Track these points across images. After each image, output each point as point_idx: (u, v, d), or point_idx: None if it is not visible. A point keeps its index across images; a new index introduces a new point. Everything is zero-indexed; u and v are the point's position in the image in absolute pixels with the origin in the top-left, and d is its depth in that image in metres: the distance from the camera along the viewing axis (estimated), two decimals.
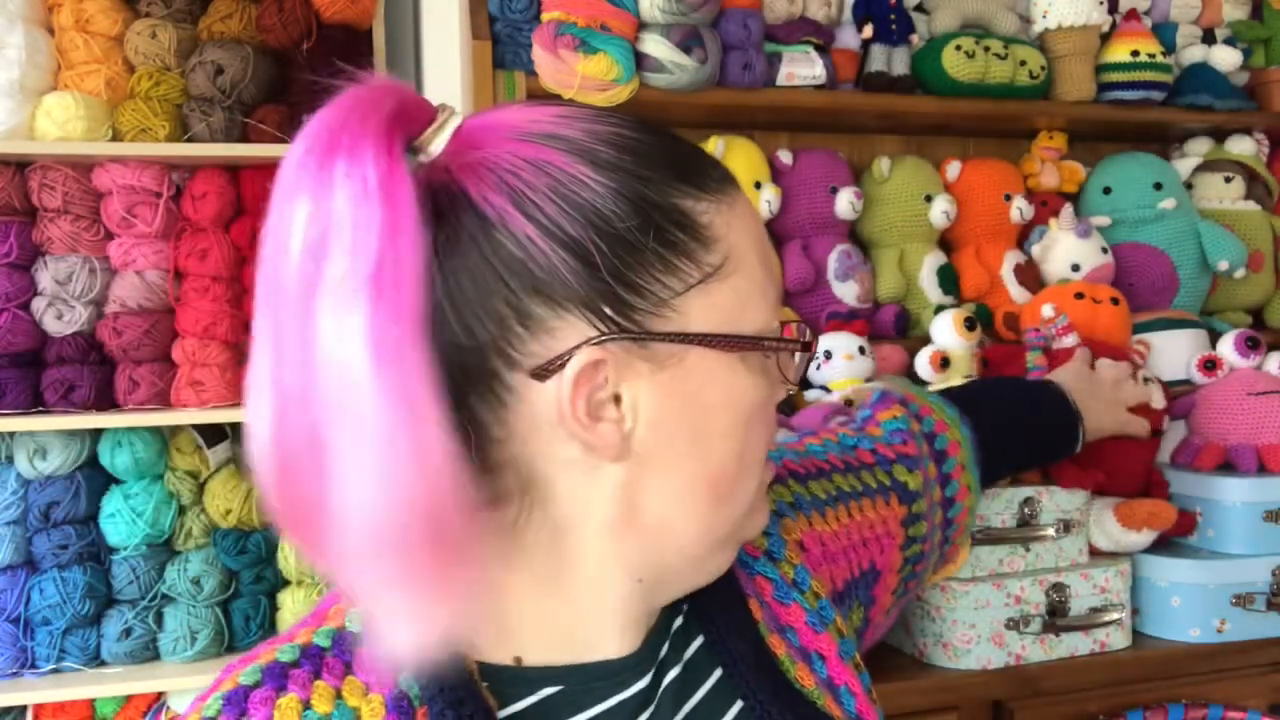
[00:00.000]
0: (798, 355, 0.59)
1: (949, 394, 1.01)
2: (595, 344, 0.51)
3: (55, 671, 1.66)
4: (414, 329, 0.46)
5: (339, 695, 0.53)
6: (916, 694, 1.36)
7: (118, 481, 1.72)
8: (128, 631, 1.68)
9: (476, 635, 0.57)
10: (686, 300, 0.54)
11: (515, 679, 0.57)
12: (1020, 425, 1.11)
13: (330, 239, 0.45)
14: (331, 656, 0.55)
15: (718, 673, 0.63)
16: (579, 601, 0.57)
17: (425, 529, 0.46)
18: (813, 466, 0.78)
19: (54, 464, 1.66)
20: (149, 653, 1.71)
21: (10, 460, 1.69)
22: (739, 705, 0.62)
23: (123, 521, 1.68)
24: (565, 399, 0.51)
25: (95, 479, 1.71)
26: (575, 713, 0.57)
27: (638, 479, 0.55)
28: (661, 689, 0.61)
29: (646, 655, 0.61)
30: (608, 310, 0.51)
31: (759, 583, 0.67)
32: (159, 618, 1.71)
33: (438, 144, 0.53)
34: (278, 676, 0.53)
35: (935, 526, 0.86)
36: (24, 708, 1.65)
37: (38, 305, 1.67)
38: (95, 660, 1.68)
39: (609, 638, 0.59)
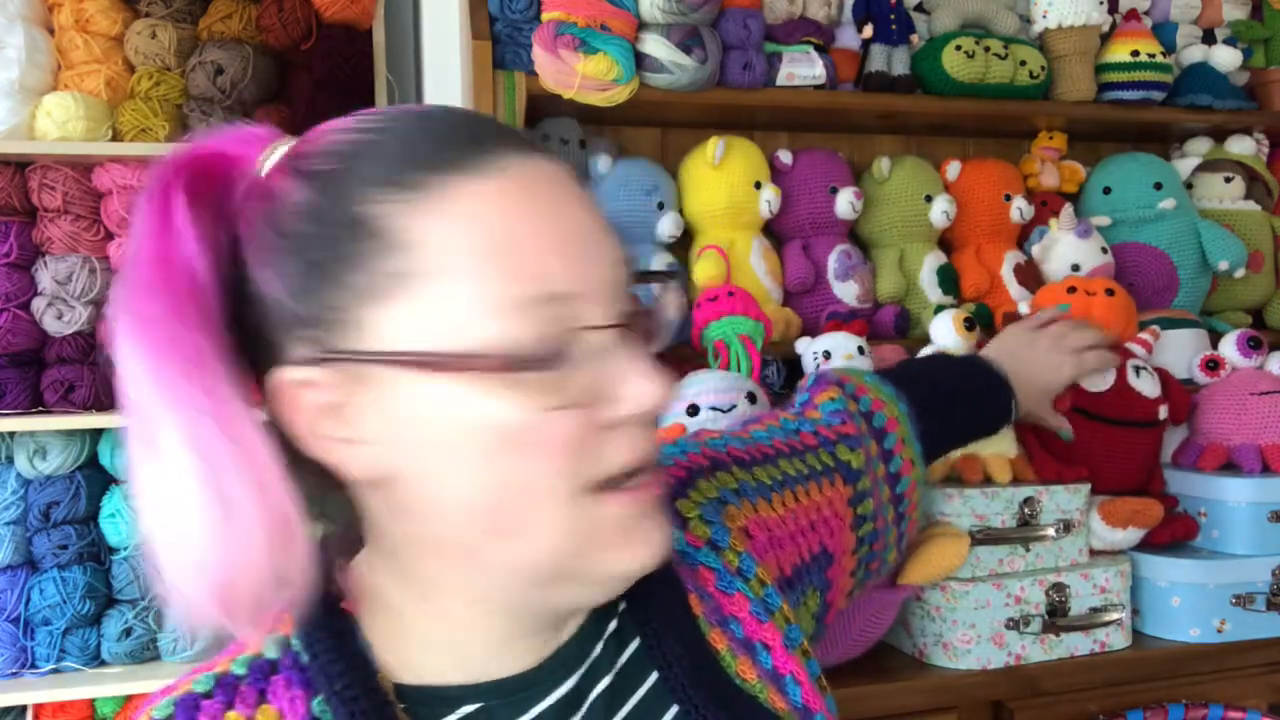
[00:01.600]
0: (534, 378, 0.49)
1: (883, 373, 1.01)
2: (298, 364, 0.51)
3: (55, 671, 1.66)
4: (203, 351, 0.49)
5: None
6: (916, 694, 1.36)
7: (118, 481, 1.72)
8: (128, 631, 1.68)
9: (393, 656, 0.57)
10: (362, 311, 0.49)
11: (433, 699, 0.56)
12: (954, 398, 1.10)
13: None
14: (247, 686, 0.55)
15: (654, 676, 0.60)
16: (455, 619, 0.57)
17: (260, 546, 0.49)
18: (758, 452, 0.76)
19: (54, 464, 1.66)
20: (149, 653, 1.71)
21: (10, 460, 1.69)
22: (674, 710, 0.60)
23: (123, 521, 1.68)
24: (290, 422, 0.52)
25: (95, 479, 1.71)
26: None
27: (413, 504, 0.52)
28: (593, 696, 0.59)
29: (568, 661, 0.59)
30: (305, 332, 0.50)
31: (701, 574, 0.65)
32: (159, 618, 1.71)
33: (265, 171, 0.54)
34: (191, 709, 0.54)
35: (884, 503, 0.86)
36: (24, 708, 1.65)
37: (38, 305, 1.67)
38: (95, 660, 1.68)
39: (504, 655, 0.57)
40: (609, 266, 0.53)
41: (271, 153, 0.53)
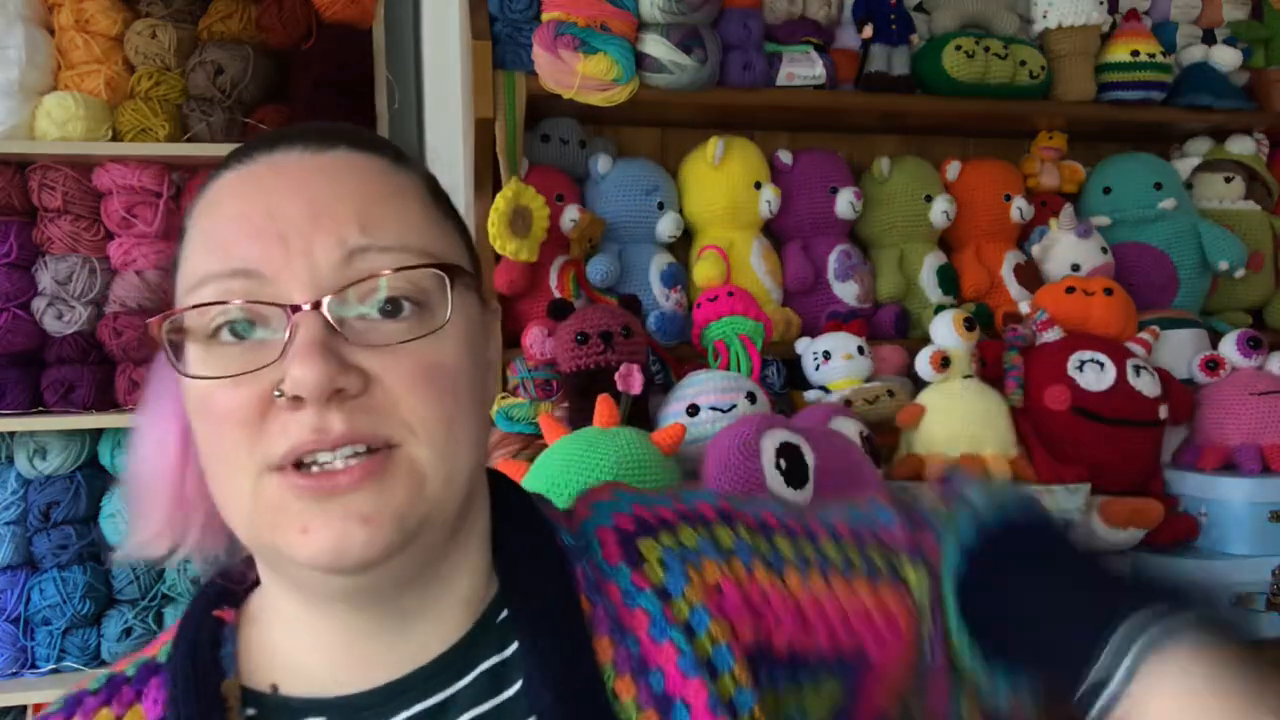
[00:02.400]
0: (178, 341, 0.54)
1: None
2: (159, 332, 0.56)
3: (55, 671, 1.66)
4: None
5: None
6: None
7: (118, 481, 1.72)
8: (128, 631, 1.68)
9: (254, 662, 0.59)
10: (175, 297, 0.56)
11: (278, 707, 0.57)
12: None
13: None
14: (129, 687, 0.58)
15: None
16: (280, 607, 0.59)
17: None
18: (798, 525, 0.68)
19: (54, 464, 1.66)
20: None
21: (10, 460, 1.69)
22: None
23: (123, 521, 1.68)
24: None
25: (95, 479, 1.71)
26: None
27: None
28: None
29: (421, 685, 0.57)
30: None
31: (636, 616, 0.60)
32: (159, 618, 1.71)
33: None
34: (73, 706, 0.58)
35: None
36: (24, 708, 1.65)
37: (38, 305, 1.67)
38: (95, 660, 1.68)
39: (347, 664, 0.57)
40: (314, 250, 0.52)
41: None
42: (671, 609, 0.61)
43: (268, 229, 0.52)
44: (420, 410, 0.52)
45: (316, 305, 0.51)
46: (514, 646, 0.58)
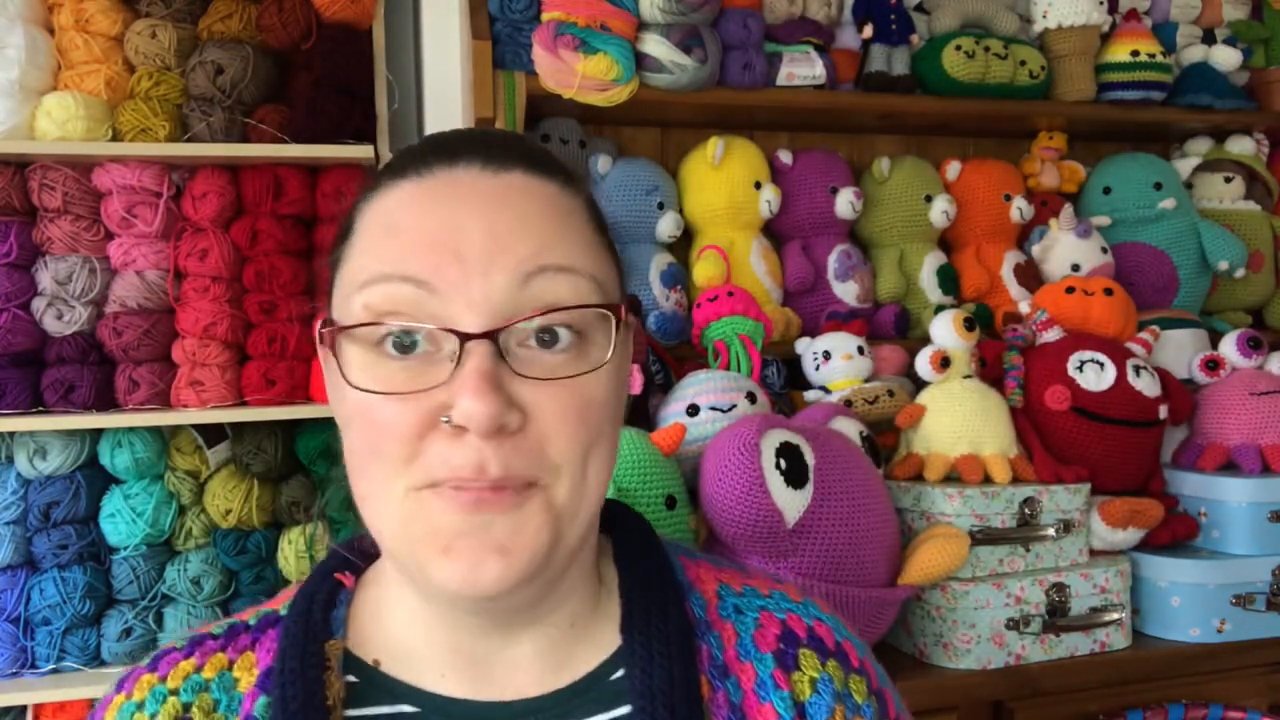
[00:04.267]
0: (335, 338, 0.54)
1: None
2: (318, 321, 0.58)
3: (55, 671, 1.66)
4: None
5: (230, 666, 0.59)
6: (917, 694, 1.36)
7: (118, 481, 1.72)
8: (128, 631, 1.68)
9: (365, 630, 0.61)
10: (332, 289, 0.58)
11: (379, 684, 0.59)
12: None
13: None
14: (247, 634, 0.61)
15: None
16: (394, 592, 0.61)
17: None
18: None
19: (54, 464, 1.66)
20: (149, 653, 1.71)
21: (10, 460, 1.69)
22: None
23: (123, 521, 1.68)
24: (321, 361, 0.59)
25: (95, 479, 1.71)
26: None
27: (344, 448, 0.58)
28: None
29: (522, 714, 0.58)
30: (327, 299, 0.59)
31: (765, 711, 0.61)
32: (159, 618, 1.71)
33: None
34: (195, 645, 0.61)
35: None
36: (24, 708, 1.65)
37: (38, 305, 1.67)
38: (95, 660, 1.68)
39: (450, 669, 0.59)
40: (491, 274, 0.52)
41: None
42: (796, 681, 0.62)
43: (445, 244, 0.52)
44: (566, 450, 0.53)
45: (490, 335, 0.51)
46: (626, 709, 0.59)
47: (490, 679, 0.59)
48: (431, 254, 0.52)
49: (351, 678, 0.59)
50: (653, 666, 0.59)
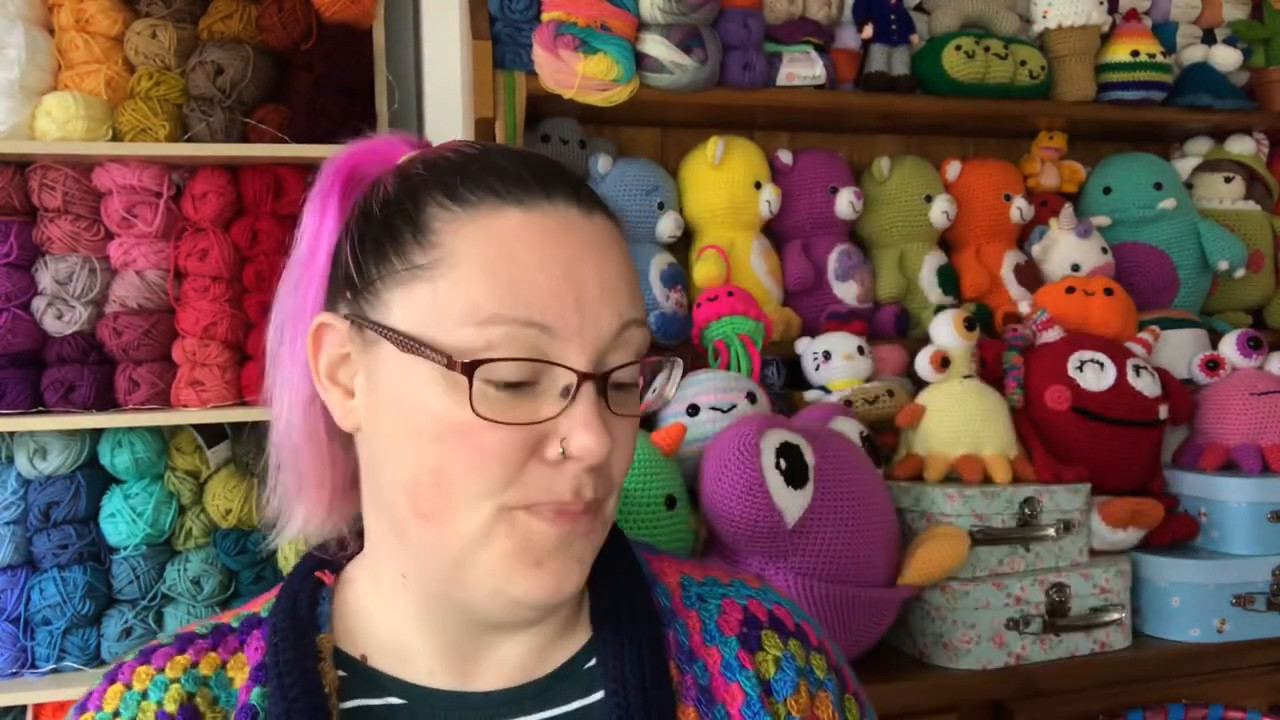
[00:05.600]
0: (489, 389, 0.55)
1: None
2: (327, 311, 0.61)
3: (55, 671, 1.65)
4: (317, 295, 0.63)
5: (223, 665, 0.62)
6: (916, 694, 1.36)
7: (118, 481, 1.71)
8: (128, 631, 1.68)
9: (348, 626, 0.64)
10: (391, 291, 0.58)
11: (366, 677, 0.62)
12: None
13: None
14: (234, 636, 0.64)
15: None
16: (389, 591, 0.63)
17: (292, 444, 0.64)
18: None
19: (54, 464, 1.66)
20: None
21: (10, 460, 1.68)
22: None
23: (123, 521, 1.68)
24: (310, 355, 0.61)
25: (95, 479, 1.71)
26: None
27: (372, 454, 0.60)
28: None
29: (501, 705, 0.62)
30: (346, 289, 0.60)
31: (732, 690, 0.64)
32: (159, 618, 1.71)
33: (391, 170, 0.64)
34: (185, 643, 0.63)
35: None
36: (24, 708, 1.65)
37: (38, 305, 1.67)
38: (95, 660, 1.68)
39: (439, 664, 0.62)
40: (600, 322, 0.56)
41: (404, 157, 0.64)
42: (769, 704, 0.65)
43: (566, 292, 0.56)
44: (623, 473, 0.61)
45: (603, 375, 0.56)
46: (600, 695, 0.63)
47: (476, 673, 0.63)
48: (555, 300, 0.55)
49: (341, 672, 0.62)
50: (623, 653, 0.62)
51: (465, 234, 0.56)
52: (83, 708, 0.61)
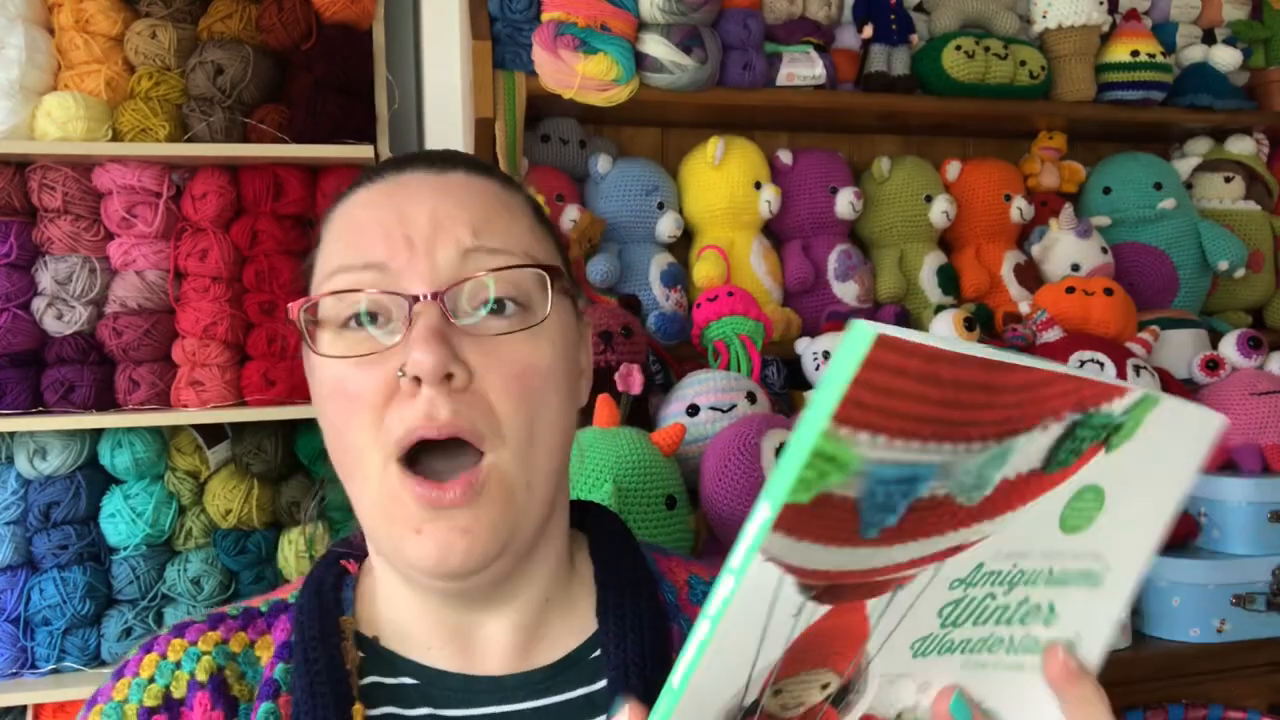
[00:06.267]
0: (313, 329, 0.61)
1: None
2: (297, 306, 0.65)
3: (55, 671, 1.65)
4: None
5: (252, 645, 0.65)
6: None
7: (118, 481, 1.71)
8: (128, 631, 1.68)
9: (367, 611, 0.66)
10: (308, 285, 0.65)
11: (380, 656, 0.64)
12: None
13: None
14: (262, 619, 0.66)
15: None
16: (382, 571, 0.66)
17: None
18: None
19: (54, 464, 1.66)
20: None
21: (10, 460, 1.68)
22: None
23: (123, 521, 1.68)
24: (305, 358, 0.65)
25: (95, 479, 1.71)
26: (430, 708, 0.62)
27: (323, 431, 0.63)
28: None
29: (510, 689, 0.63)
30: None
31: None
32: (159, 618, 1.71)
33: None
34: (217, 621, 0.66)
35: None
36: (24, 708, 1.65)
37: (38, 305, 1.67)
38: (95, 660, 1.68)
39: (437, 642, 0.64)
40: (436, 251, 0.59)
41: None
42: None
43: (395, 231, 0.59)
44: (509, 412, 0.58)
45: (436, 296, 0.57)
46: (604, 682, 0.64)
47: (472, 653, 0.64)
48: (385, 240, 0.59)
49: (360, 653, 0.64)
50: (626, 643, 0.63)
51: (331, 217, 0.64)
52: (119, 674, 0.64)
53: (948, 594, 0.44)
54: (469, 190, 0.63)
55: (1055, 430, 0.40)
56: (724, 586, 0.36)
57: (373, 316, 0.59)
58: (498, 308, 0.59)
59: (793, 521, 0.35)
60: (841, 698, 0.45)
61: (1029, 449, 0.40)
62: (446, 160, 0.65)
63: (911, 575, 0.42)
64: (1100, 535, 0.47)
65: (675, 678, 0.38)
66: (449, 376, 0.56)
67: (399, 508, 0.58)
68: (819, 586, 0.38)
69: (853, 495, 0.35)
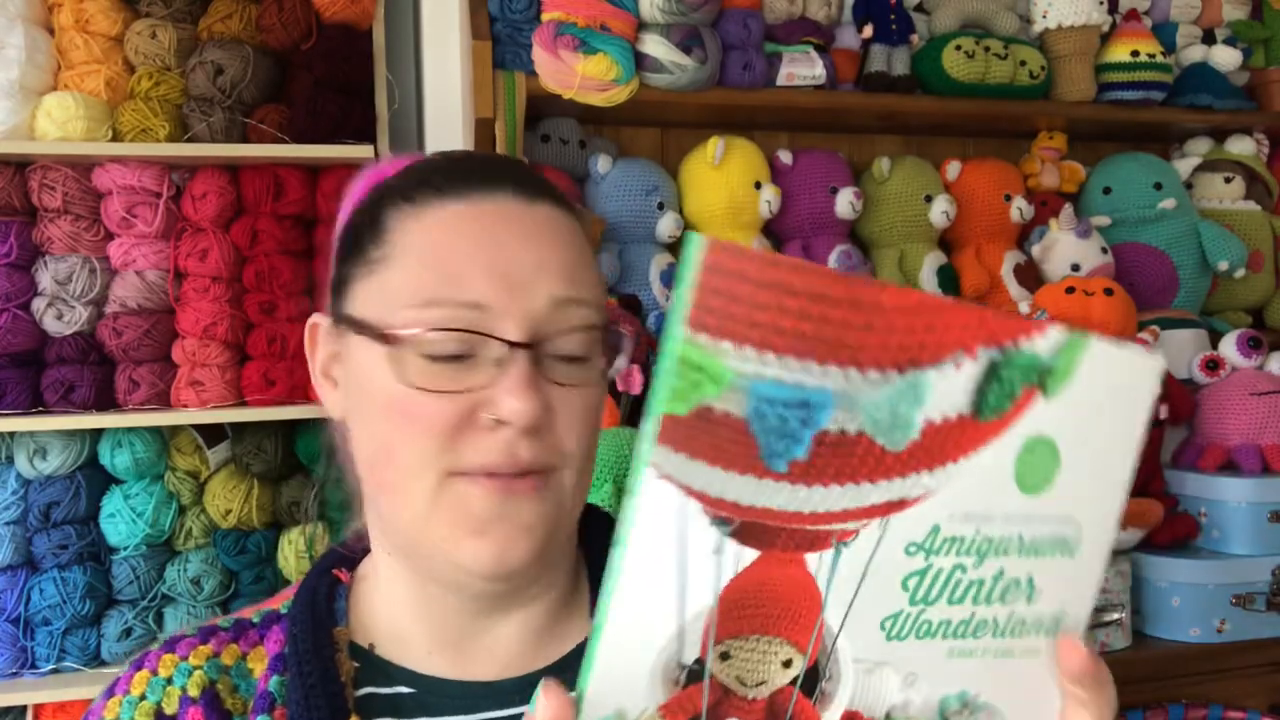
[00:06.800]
0: (424, 363, 0.59)
1: None
2: (323, 314, 0.66)
3: (55, 671, 1.65)
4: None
5: (244, 657, 0.65)
6: None
7: (118, 481, 1.71)
8: (128, 631, 1.68)
9: (360, 619, 0.67)
10: (354, 287, 0.63)
11: (376, 665, 0.65)
12: None
13: None
14: (254, 630, 0.67)
15: None
16: (384, 574, 0.66)
17: None
18: None
19: (54, 464, 1.66)
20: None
21: (10, 460, 1.68)
22: None
23: (123, 521, 1.68)
24: (308, 354, 0.67)
25: (95, 479, 1.71)
26: (426, 716, 0.63)
27: (352, 438, 0.64)
28: None
29: (505, 695, 0.63)
30: (331, 292, 0.66)
31: None
32: (159, 618, 1.71)
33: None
34: (208, 634, 0.66)
35: None
36: (24, 708, 1.65)
37: (38, 305, 1.67)
38: (95, 660, 1.68)
39: (437, 649, 0.64)
40: (533, 298, 0.60)
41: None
42: None
43: (496, 271, 0.59)
44: (576, 446, 0.61)
45: (532, 345, 0.59)
46: None
47: (472, 658, 0.65)
48: (485, 278, 0.59)
49: (355, 662, 0.64)
50: None
51: (410, 228, 0.62)
52: (110, 692, 0.64)
53: (908, 561, 0.42)
54: (558, 230, 0.63)
55: (972, 369, 0.40)
56: (625, 510, 0.36)
57: (459, 350, 0.59)
58: (574, 359, 0.61)
59: (675, 434, 0.35)
60: (813, 686, 0.43)
61: (947, 388, 0.39)
62: (533, 186, 0.64)
63: (851, 530, 0.41)
64: (1064, 495, 0.45)
65: (597, 615, 0.37)
66: (539, 423, 0.58)
67: (458, 514, 0.59)
68: (732, 521, 0.38)
69: (737, 412, 0.35)
